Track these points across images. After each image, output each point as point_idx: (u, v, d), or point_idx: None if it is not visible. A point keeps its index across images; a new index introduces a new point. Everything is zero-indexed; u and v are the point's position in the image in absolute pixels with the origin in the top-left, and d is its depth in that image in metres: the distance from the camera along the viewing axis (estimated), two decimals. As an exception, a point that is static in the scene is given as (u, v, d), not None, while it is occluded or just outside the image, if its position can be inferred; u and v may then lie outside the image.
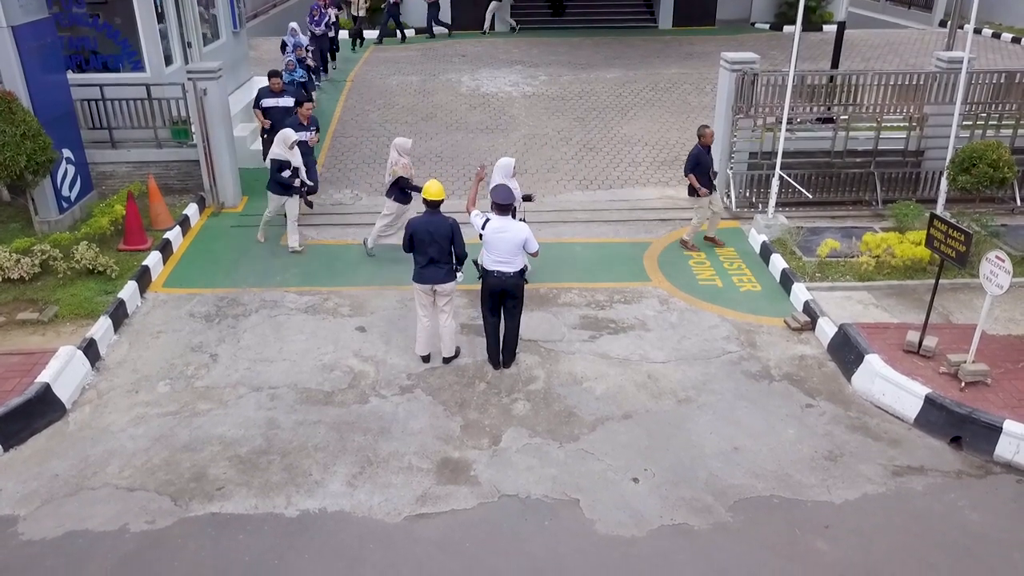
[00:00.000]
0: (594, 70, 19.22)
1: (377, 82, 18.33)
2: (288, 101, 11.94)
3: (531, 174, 13.37)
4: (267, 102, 12.01)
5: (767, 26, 24.75)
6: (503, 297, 7.99)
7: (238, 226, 11.63)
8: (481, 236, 7.81)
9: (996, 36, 22.63)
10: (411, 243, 7.90)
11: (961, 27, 14.87)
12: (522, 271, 7.89)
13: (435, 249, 7.78)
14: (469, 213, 8.09)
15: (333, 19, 18.45)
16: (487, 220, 7.76)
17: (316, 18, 17.87)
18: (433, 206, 7.85)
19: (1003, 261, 7.03)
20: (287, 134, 10.27)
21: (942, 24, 24.32)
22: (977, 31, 20.53)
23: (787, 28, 23.62)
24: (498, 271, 7.80)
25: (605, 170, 13.49)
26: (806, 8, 10.66)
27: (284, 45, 15.69)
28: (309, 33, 16.97)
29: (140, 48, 12.26)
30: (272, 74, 12.19)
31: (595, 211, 12.02)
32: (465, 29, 24.14)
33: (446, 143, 14.61)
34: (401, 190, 10.21)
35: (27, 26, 10.02)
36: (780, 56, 20.01)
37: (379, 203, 12.19)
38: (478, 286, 8.21)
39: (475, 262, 8.01)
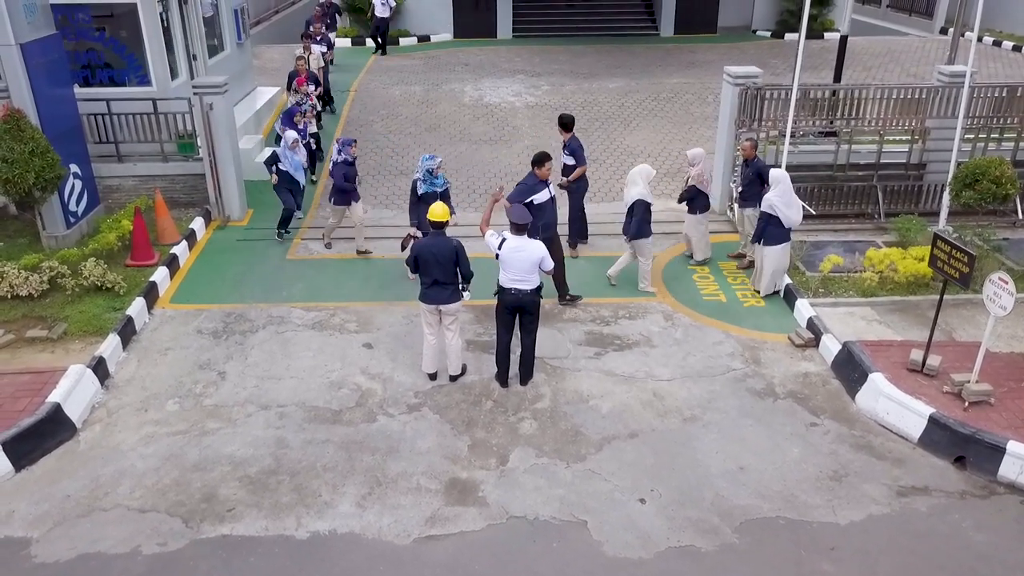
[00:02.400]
0: (596, 79, 19.29)
1: (380, 92, 18.41)
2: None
3: (535, 186, 13.41)
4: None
5: (768, 34, 24.81)
6: (520, 313, 8.07)
7: (244, 240, 11.69)
8: (497, 256, 7.88)
9: (997, 44, 22.70)
10: (416, 264, 7.97)
11: (962, 34, 14.92)
12: (538, 288, 7.98)
13: (439, 271, 7.85)
14: (483, 233, 8.16)
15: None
16: (503, 240, 7.84)
17: (303, 129, 12.79)
18: (438, 227, 7.92)
19: (1006, 283, 7.09)
20: (647, 170, 9.75)
21: (943, 31, 24.39)
22: (978, 39, 20.66)
23: (788, 36, 23.67)
24: (515, 288, 7.89)
25: (608, 182, 13.55)
26: (807, 18, 10.69)
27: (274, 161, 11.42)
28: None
29: (146, 62, 12.33)
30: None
31: (599, 224, 12.05)
32: (467, 37, 24.25)
33: (450, 155, 14.66)
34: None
35: (35, 43, 10.09)
36: (781, 65, 20.05)
37: (383, 216, 12.33)
38: (485, 302, 8.26)
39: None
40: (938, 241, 7.82)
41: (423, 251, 7.89)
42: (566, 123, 10.92)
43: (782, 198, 9.48)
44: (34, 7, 10.11)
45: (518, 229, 7.84)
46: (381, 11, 22.14)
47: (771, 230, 9.61)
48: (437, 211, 7.91)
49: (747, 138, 10.70)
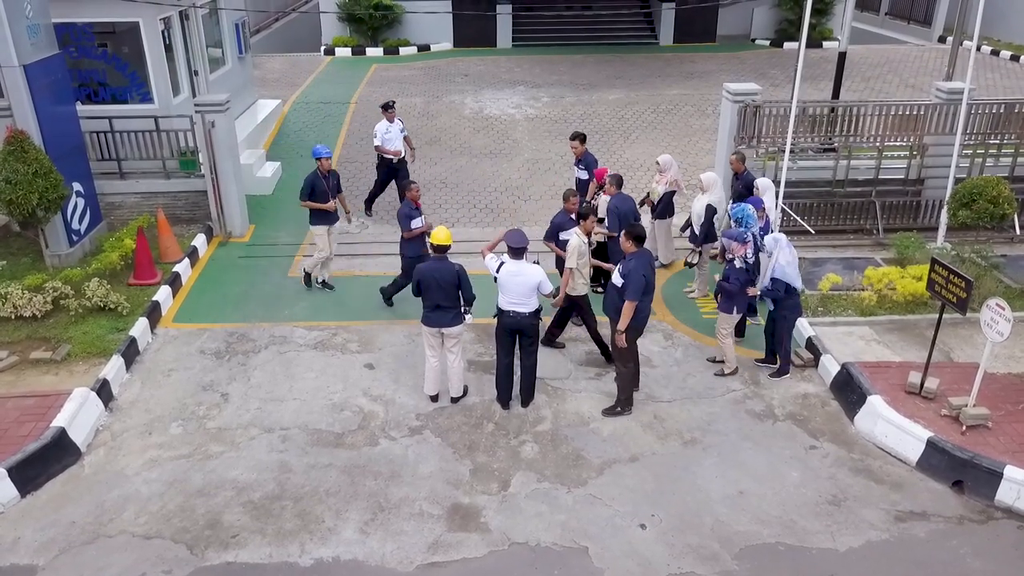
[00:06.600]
0: (596, 91, 19.35)
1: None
2: None
3: (535, 200, 13.50)
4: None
5: (767, 43, 24.83)
6: (519, 336, 8.15)
7: (246, 257, 11.74)
8: (496, 279, 7.95)
9: (995, 53, 22.73)
10: (418, 288, 8.03)
11: (961, 43, 14.97)
12: (537, 311, 8.05)
13: (441, 295, 7.92)
14: (484, 256, 8.23)
15: None
16: (501, 263, 7.91)
17: None
18: (440, 251, 7.98)
19: (1003, 309, 7.15)
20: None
21: (941, 40, 24.46)
22: (976, 48, 20.70)
23: (787, 45, 23.69)
24: (513, 311, 7.97)
25: (608, 197, 13.57)
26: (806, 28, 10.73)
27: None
28: None
29: (148, 79, 12.39)
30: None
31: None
32: (467, 46, 24.30)
33: (451, 168, 14.73)
34: None
35: (38, 64, 10.13)
36: (780, 75, 20.10)
37: (385, 231, 12.37)
38: (486, 321, 8.31)
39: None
40: (936, 266, 7.88)
41: (426, 276, 7.94)
42: (583, 138, 11.29)
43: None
44: (37, 27, 10.17)
45: (516, 253, 7.90)
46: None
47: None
48: (440, 235, 7.97)
49: (733, 153, 10.87)
